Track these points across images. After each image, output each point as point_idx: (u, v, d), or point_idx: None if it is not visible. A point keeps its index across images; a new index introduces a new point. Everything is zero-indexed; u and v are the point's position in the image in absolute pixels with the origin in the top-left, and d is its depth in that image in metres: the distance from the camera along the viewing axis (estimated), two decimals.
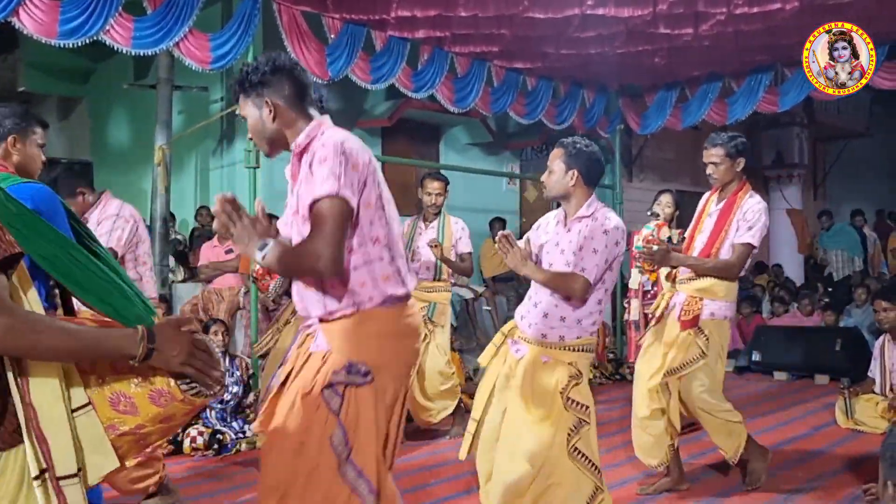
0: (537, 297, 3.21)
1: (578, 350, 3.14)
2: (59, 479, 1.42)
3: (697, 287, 3.96)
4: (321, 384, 2.16)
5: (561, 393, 3.06)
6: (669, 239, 5.39)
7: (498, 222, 9.15)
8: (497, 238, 3.16)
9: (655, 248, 3.88)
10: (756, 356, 8.16)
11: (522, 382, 3.12)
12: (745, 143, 4.01)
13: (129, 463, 3.72)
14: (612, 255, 3.10)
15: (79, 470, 1.47)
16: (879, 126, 14.69)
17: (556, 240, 3.24)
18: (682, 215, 5.65)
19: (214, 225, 2.18)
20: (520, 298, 10.28)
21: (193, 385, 1.61)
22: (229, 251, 7.07)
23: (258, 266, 4.48)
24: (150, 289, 4.08)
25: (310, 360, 2.23)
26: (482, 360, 3.36)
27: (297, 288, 2.31)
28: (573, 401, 3.07)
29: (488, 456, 3.19)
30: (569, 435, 3.05)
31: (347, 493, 2.16)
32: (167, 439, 4.39)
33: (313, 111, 2.28)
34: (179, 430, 5.11)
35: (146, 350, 1.51)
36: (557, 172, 3.20)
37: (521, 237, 3.31)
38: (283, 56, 2.27)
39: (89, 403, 1.55)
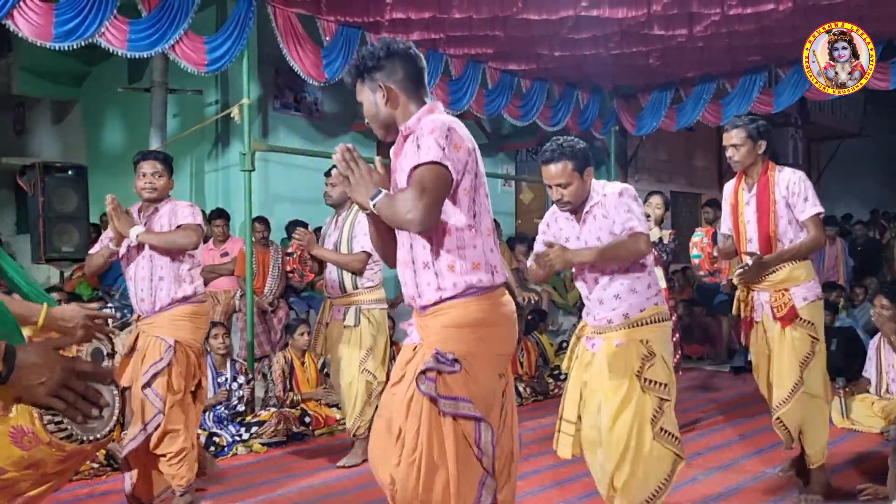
0: (584, 294, 3.21)
1: (648, 323, 3.09)
2: None
3: (777, 280, 3.77)
4: (413, 373, 2.20)
5: (637, 375, 3.03)
6: (661, 239, 5.40)
7: (493, 224, 9.16)
8: (533, 259, 3.12)
9: (749, 262, 3.60)
10: (752, 356, 8.13)
11: (599, 371, 3.09)
12: (766, 125, 3.84)
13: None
14: (641, 206, 3.09)
15: None
16: (873, 126, 14.74)
17: (575, 234, 3.17)
18: (674, 216, 5.64)
19: (333, 172, 2.21)
20: (513, 298, 10.27)
21: (63, 426, 1.32)
22: (225, 254, 7.06)
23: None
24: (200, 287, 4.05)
25: (403, 351, 2.33)
26: (564, 366, 3.37)
27: (401, 274, 2.36)
28: (650, 381, 3.04)
29: (595, 456, 3.16)
30: (653, 419, 3.02)
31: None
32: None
33: (427, 97, 2.30)
34: None
35: (1, 369, 1.24)
36: (575, 182, 3.05)
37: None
38: (398, 41, 2.28)
39: None
